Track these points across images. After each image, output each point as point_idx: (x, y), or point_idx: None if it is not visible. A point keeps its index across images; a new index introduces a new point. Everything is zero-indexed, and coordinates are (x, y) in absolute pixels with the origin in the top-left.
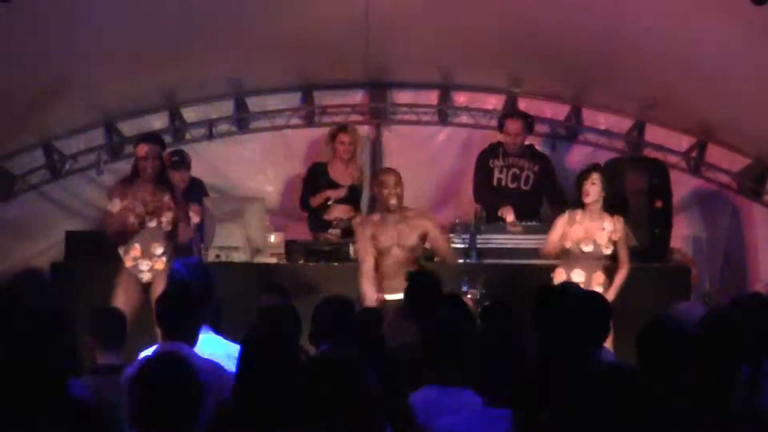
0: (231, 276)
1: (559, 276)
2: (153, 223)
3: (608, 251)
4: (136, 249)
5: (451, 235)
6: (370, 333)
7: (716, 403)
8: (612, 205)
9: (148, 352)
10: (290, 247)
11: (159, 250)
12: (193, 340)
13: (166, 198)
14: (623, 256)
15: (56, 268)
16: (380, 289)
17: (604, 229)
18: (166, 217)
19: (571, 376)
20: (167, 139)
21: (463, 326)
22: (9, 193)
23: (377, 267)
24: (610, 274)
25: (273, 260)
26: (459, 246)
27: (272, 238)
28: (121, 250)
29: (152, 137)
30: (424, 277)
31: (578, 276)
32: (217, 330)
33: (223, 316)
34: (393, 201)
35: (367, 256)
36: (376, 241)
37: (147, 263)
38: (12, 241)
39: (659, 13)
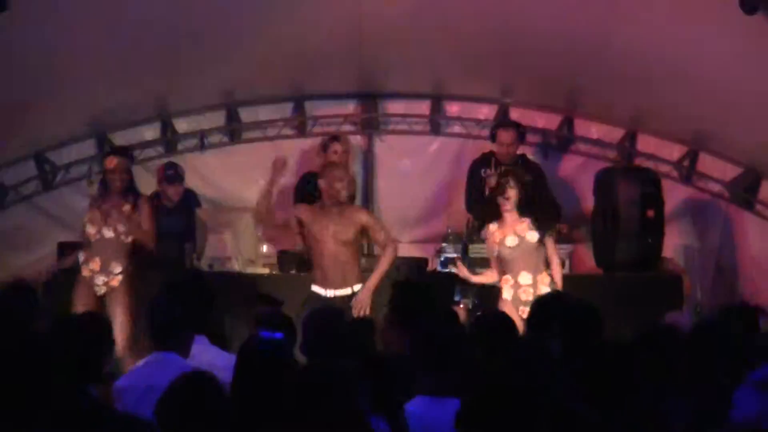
0: (222, 286)
1: (506, 283)
2: (110, 233)
3: (534, 239)
4: (95, 262)
5: (444, 244)
6: (362, 343)
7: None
8: (604, 215)
9: (139, 363)
10: (282, 257)
11: (117, 269)
12: (186, 351)
13: (126, 208)
14: (551, 247)
15: (48, 279)
16: (320, 283)
17: (523, 222)
18: (123, 228)
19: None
20: (159, 150)
21: (454, 336)
22: (0, 204)
23: (315, 261)
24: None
25: (265, 270)
26: (451, 256)
27: (264, 249)
28: (80, 257)
29: (121, 150)
30: (411, 288)
31: (525, 279)
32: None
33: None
34: (343, 194)
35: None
36: (308, 227)
37: (103, 278)
38: (5, 251)
39: (651, 24)
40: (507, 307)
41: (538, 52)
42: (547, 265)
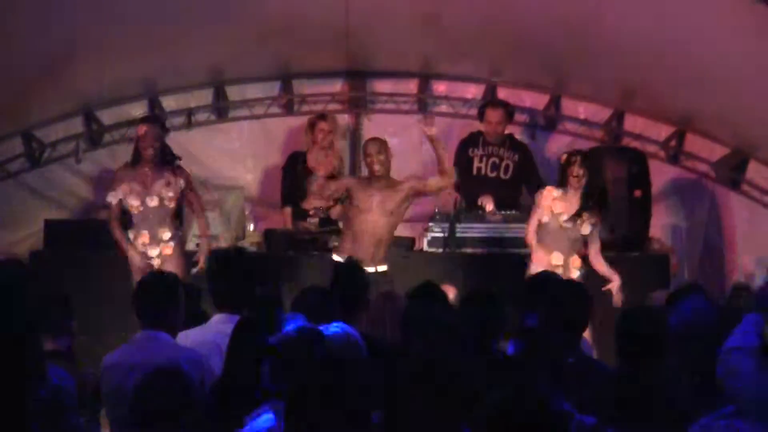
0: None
1: (537, 261)
2: (154, 202)
3: (586, 231)
4: (144, 235)
5: (431, 224)
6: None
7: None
8: (591, 194)
9: (131, 341)
10: (270, 236)
11: (167, 235)
12: (174, 330)
13: (167, 174)
14: (597, 240)
15: (35, 257)
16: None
17: (584, 209)
18: (167, 193)
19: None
20: None
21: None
22: None
23: (351, 235)
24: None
25: (253, 249)
26: (438, 235)
27: (251, 227)
28: (130, 235)
29: (152, 118)
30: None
31: (557, 259)
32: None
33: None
34: (377, 167)
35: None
36: (353, 198)
37: (155, 249)
38: None
39: (638, 4)
40: None
41: (526, 32)
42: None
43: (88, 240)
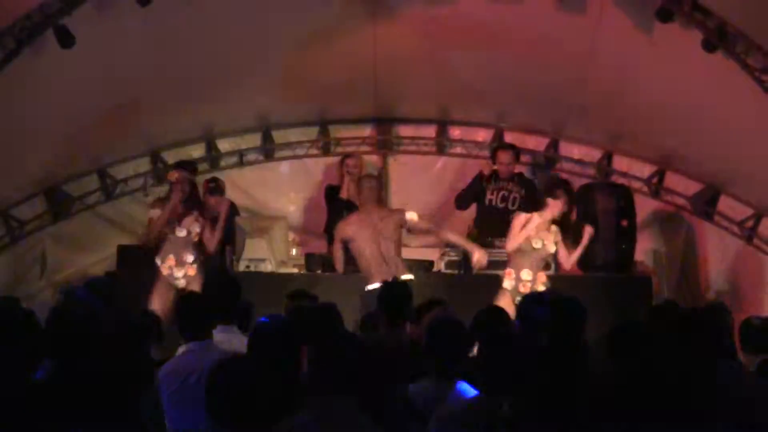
0: (258, 284)
1: (509, 276)
2: (182, 233)
3: (552, 250)
4: (171, 259)
5: (447, 248)
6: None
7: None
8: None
9: (183, 352)
10: (309, 259)
11: (190, 258)
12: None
13: (195, 214)
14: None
15: (110, 276)
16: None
17: (551, 231)
18: (193, 228)
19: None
20: (204, 166)
21: (461, 326)
22: (68, 212)
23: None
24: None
25: (295, 270)
26: (454, 259)
27: (294, 252)
28: (158, 260)
29: (183, 164)
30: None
31: (527, 275)
32: (246, 331)
33: (251, 319)
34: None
35: None
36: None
37: (181, 271)
38: (71, 253)
39: (624, 62)
40: (505, 297)
41: (529, 85)
42: (545, 266)
43: (154, 263)
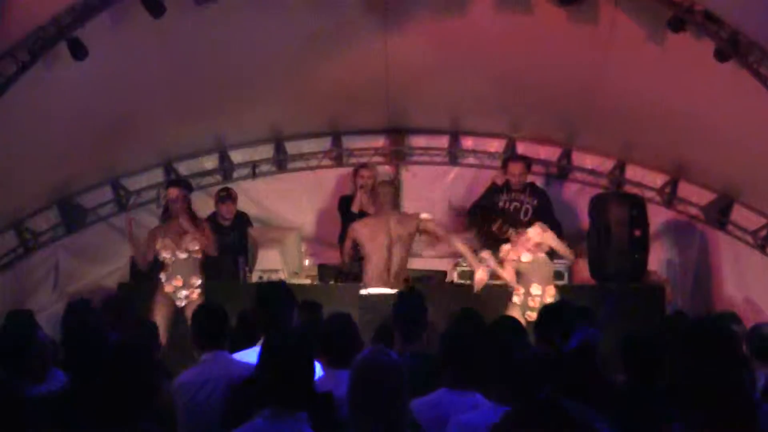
0: None
1: (517, 292)
2: (184, 255)
3: (545, 250)
4: (178, 279)
5: (459, 259)
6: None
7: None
8: (598, 233)
9: (200, 362)
10: (322, 269)
11: (196, 283)
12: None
13: (192, 231)
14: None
15: (122, 287)
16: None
17: (529, 239)
18: (194, 247)
19: None
20: (217, 177)
21: (475, 338)
22: (82, 224)
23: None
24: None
25: (307, 281)
26: (466, 269)
27: (307, 262)
28: (162, 277)
29: (180, 182)
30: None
31: (536, 290)
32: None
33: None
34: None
35: None
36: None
37: (185, 292)
38: (85, 264)
39: (636, 72)
40: (515, 311)
41: (541, 96)
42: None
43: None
